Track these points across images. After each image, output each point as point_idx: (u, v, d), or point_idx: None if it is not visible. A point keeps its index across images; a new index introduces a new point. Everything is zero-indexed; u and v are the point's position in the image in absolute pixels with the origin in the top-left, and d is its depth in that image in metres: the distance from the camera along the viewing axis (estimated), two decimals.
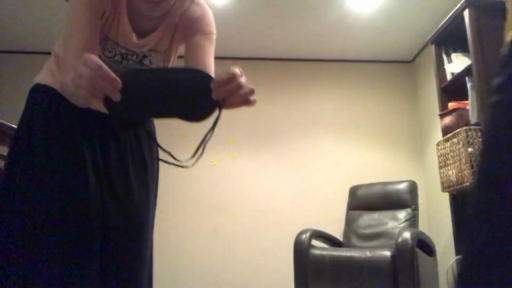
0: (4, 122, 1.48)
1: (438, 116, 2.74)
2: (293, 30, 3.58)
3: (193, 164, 0.90)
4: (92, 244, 1.02)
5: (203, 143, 0.90)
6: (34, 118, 1.09)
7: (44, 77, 1.15)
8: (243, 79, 0.81)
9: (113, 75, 0.72)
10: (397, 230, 2.77)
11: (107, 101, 0.74)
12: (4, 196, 1.03)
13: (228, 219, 3.67)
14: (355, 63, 4.15)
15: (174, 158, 0.91)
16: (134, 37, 1.09)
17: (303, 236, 2.79)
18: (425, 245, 2.66)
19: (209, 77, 0.78)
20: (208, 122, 0.86)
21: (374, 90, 4.08)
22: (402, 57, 4.10)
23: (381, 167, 3.84)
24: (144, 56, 1.14)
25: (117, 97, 0.73)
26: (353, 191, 3.52)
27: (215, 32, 1.16)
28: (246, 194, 3.74)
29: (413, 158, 3.93)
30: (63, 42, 1.03)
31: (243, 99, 0.83)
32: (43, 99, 1.11)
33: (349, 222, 3.35)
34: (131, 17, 1.07)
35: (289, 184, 3.81)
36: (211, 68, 1.11)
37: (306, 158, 3.87)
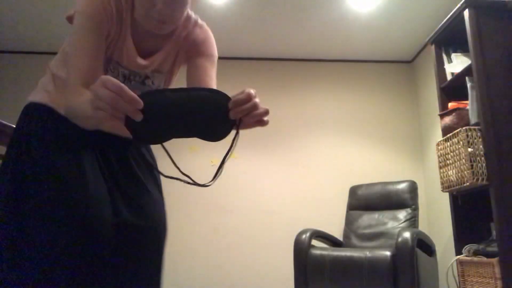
0: (4, 122, 1.48)
1: (438, 116, 2.74)
2: (293, 30, 3.58)
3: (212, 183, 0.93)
4: (102, 252, 0.98)
5: (223, 163, 0.92)
6: (31, 132, 1.06)
7: (41, 96, 1.12)
8: (257, 100, 0.83)
9: (135, 95, 0.73)
10: (397, 230, 2.77)
11: (128, 121, 0.75)
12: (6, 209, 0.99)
13: (228, 219, 3.67)
14: (355, 63, 4.15)
15: (193, 181, 0.93)
16: (138, 58, 1.08)
17: (303, 236, 2.79)
18: (425, 245, 2.66)
19: (227, 97, 0.80)
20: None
21: (374, 90, 4.08)
22: (402, 57, 4.11)
23: (381, 167, 3.84)
24: (147, 77, 1.14)
25: (139, 117, 0.74)
26: (353, 191, 3.52)
27: (217, 55, 1.18)
28: (246, 194, 3.74)
29: (413, 158, 3.93)
30: (68, 65, 1.00)
31: (258, 119, 0.85)
32: (40, 117, 1.08)
33: (349, 222, 3.36)
34: (135, 37, 1.07)
35: (289, 184, 3.81)
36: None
37: (306, 158, 3.87)
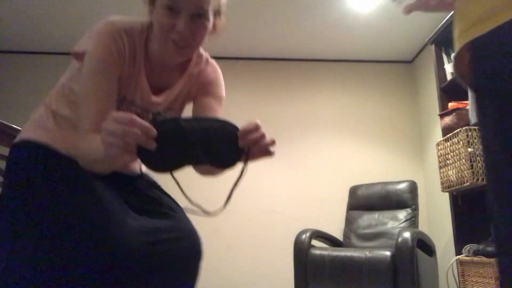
0: (4, 122, 1.48)
1: (438, 116, 2.74)
2: (293, 30, 3.58)
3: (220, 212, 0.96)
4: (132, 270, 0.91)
5: (231, 194, 0.95)
6: (31, 172, 0.96)
7: (40, 134, 1.02)
8: (264, 130, 0.86)
9: (148, 124, 0.74)
10: (397, 230, 2.77)
11: (140, 150, 0.75)
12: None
13: (228, 219, 3.67)
14: (355, 63, 4.15)
15: (204, 211, 0.97)
16: (152, 96, 1.07)
17: (303, 236, 2.79)
18: (425, 245, 2.66)
19: (236, 126, 0.84)
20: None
21: (374, 90, 4.08)
22: (402, 57, 4.10)
23: (381, 167, 3.84)
24: (159, 114, 1.12)
25: (152, 146, 0.74)
26: (353, 191, 3.52)
27: (224, 95, 1.19)
28: (246, 194, 3.74)
29: (413, 158, 3.93)
30: (79, 109, 0.97)
31: (265, 149, 0.87)
32: (40, 158, 0.98)
33: (349, 222, 3.35)
34: (149, 74, 1.05)
35: (289, 184, 3.81)
36: None
37: (306, 158, 3.87)
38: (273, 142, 0.88)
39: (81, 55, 0.99)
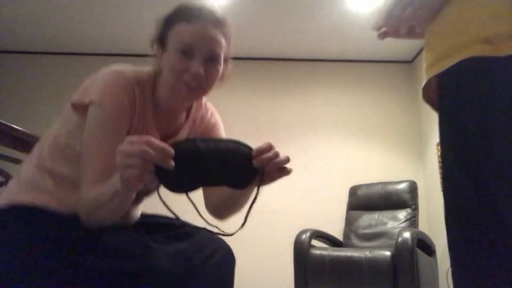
0: (4, 122, 1.48)
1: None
2: (293, 30, 3.58)
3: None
4: None
5: (248, 214, 0.97)
6: (34, 239, 0.85)
7: (41, 198, 0.92)
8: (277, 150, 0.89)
9: (164, 144, 0.75)
10: (397, 230, 2.77)
11: (158, 171, 0.76)
12: None
13: (228, 219, 3.67)
14: (355, 63, 4.15)
15: (221, 231, 1.00)
16: None
17: (303, 236, 2.79)
18: (425, 245, 2.66)
19: (250, 147, 0.87)
20: None
21: (374, 90, 4.08)
22: (402, 57, 4.10)
23: (381, 167, 3.84)
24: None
25: (170, 165, 0.75)
26: (353, 191, 3.52)
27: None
28: None
29: (413, 158, 3.93)
30: (83, 162, 0.91)
31: (280, 167, 0.90)
32: (46, 225, 0.88)
33: (349, 222, 3.36)
34: (157, 123, 1.04)
35: (289, 184, 3.81)
36: None
37: (306, 157, 3.87)
38: (287, 160, 0.90)
39: (83, 107, 0.94)
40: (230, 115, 4.03)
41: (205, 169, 0.83)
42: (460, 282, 0.79)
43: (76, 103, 0.96)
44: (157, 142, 0.74)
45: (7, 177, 1.64)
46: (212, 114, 1.19)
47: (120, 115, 0.93)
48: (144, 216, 1.14)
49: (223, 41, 1.02)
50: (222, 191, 1.07)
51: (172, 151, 0.75)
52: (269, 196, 3.73)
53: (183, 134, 1.11)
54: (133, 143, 0.73)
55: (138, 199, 1.08)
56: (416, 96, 4.07)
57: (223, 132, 1.21)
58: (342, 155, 3.90)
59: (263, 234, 3.65)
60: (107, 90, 0.93)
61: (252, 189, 0.97)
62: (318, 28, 3.56)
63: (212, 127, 1.18)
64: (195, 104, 1.14)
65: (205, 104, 1.18)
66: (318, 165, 3.86)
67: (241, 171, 0.88)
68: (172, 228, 1.08)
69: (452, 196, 0.77)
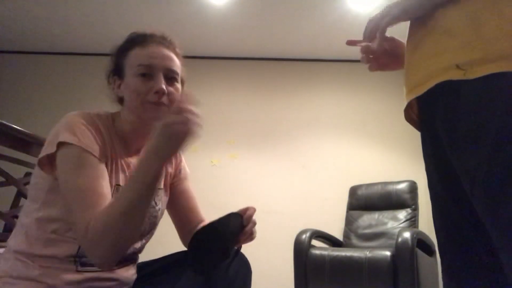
0: (4, 122, 1.48)
1: None
2: (293, 30, 3.58)
3: None
4: None
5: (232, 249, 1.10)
6: None
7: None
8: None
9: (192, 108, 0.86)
10: (397, 230, 2.77)
11: (192, 248, 0.90)
12: None
13: None
14: (355, 63, 4.15)
15: None
16: None
17: (303, 236, 2.79)
18: (425, 245, 2.66)
19: (240, 215, 1.02)
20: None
21: (374, 90, 4.08)
22: None
23: (381, 167, 3.84)
24: None
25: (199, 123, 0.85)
26: (353, 191, 3.52)
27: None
28: (246, 194, 3.74)
29: (413, 158, 3.92)
30: (69, 204, 0.89)
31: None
32: None
33: (349, 222, 3.36)
34: (128, 157, 1.06)
35: (289, 184, 3.81)
36: (199, 206, 1.24)
37: (306, 158, 3.87)
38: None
39: (52, 160, 0.92)
40: (230, 115, 4.03)
41: (224, 246, 0.98)
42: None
43: (44, 159, 0.92)
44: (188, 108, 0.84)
45: (7, 177, 1.64)
46: (183, 164, 1.23)
47: (92, 148, 0.92)
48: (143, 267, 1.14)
49: (177, 61, 1.05)
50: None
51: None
52: (269, 196, 3.75)
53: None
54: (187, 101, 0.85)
55: (133, 259, 1.09)
56: None
57: (187, 169, 1.25)
58: (342, 155, 3.90)
59: (263, 234, 3.63)
60: (73, 127, 0.92)
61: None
62: (318, 28, 3.56)
63: (184, 178, 1.22)
64: None
65: None
66: (318, 165, 3.86)
67: (235, 241, 1.02)
68: (176, 266, 1.10)
69: (435, 205, 0.96)
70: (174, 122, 0.82)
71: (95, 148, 0.92)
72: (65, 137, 0.89)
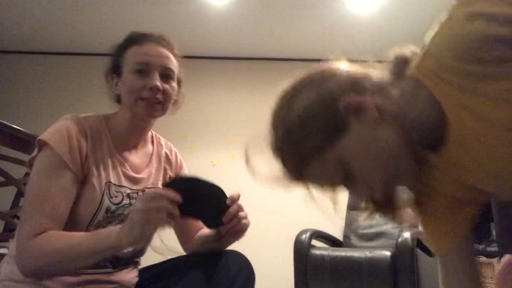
0: (4, 122, 1.48)
1: None
2: (293, 30, 3.58)
3: None
4: None
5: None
6: None
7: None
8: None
9: (172, 193, 0.84)
10: (397, 230, 2.77)
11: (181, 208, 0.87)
12: None
13: None
14: (355, 63, 4.15)
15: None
16: (134, 174, 1.08)
17: (303, 236, 2.79)
18: (425, 245, 2.66)
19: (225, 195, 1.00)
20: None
21: None
22: None
23: None
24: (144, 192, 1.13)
25: (176, 213, 0.85)
26: None
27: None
28: (246, 194, 3.73)
29: None
30: (24, 205, 0.91)
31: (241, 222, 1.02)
32: None
33: (349, 222, 3.35)
34: (123, 155, 1.07)
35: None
36: None
37: None
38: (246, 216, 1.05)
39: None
40: (230, 115, 4.03)
41: (197, 204, 0.93)
42: None
43: (31, 160, 0.97)
44: (167, 194, 0.84)
45: (7, 177, 1.64)
46: (176, 154, 1.24)
47: (70, 155, 0.93)
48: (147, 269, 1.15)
49: (174, 60, 1.06)
50: (199, 241, 1.15)
51: (178, 199, 0.85)
52: (270, 196, 3.75)
53: (151, 165, 1.13)
54: (147, 200, 0.82)
55: (133, 262, 1.09)
56: None
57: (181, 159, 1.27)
58: None
59: (263, 234, 3.65)
60: (58, 131, 0.95)
61: (227, 244, 1.09)
62: (318, 28, 3.56)
63: (180, 168, 1.25)
64: (149, 135, 1.17)
65: (165, 142, 1.22)
66: None
67: (215, 211, 0.97)
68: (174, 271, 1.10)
69: None
70: (149, 209, 0.82)
71: (73, 156, 0.93)
72: (46, 136, 0.93)
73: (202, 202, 0.93)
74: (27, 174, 1.92)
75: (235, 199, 0.99)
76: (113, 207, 0.99)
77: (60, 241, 0.86)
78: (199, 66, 3.92)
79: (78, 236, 0.88)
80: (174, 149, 1.24)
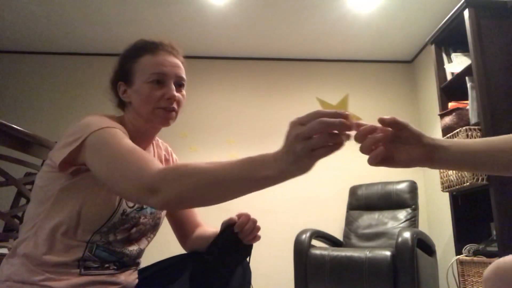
0: (4, 122, 1.48)
1: (438, 116, 2.74)
2: (293, 30, 3.58)
3: None
4: None
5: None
6: None
7: None
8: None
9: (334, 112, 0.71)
10: (397, 230, 2.77)
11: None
12: None
13: None
14: (355, 63, 4.15)
15: None
16: None
17: (303, 236, 2.79)
18: (425, 245, 2.66)
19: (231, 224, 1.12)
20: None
21: (374, 90, 4.08)
22: (402, 57, 4.10)
23: (381, 167, 3.84)
24: None
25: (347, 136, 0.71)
26: (353, 191, 3.52)
27: None
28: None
29: None
30: (117, 172, 0.83)
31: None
32: None
33: (349, 222, 3.36)
34: None
35: (289, 184, 3.80)
36: (196, 210, 1.28)
37: None
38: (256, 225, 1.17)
39: (74, 158, 0.91)
40: (230, 115, 4.03)
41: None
42: None
43: (66, 157, 0.90)
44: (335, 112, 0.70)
45: (7, 177, 1.64)
46: (172, 154, 1.25)
47: (122, 130, 0.95)
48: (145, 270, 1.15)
49: (183, 69, 1.10)
50: (199, 241, 1.21)
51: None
52: (270, 196, 3.75)
53: None
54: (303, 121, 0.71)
55: (135, 264, 1.10)
56: (416, 96, 4.07)
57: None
58: (342, 155, 3.89)
59: (263, 234, 3.62)
60: (99, 119, 0.94)
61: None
62: (318, 28, 3.56)
63: (172, 159, 1.25)
64: (155, 144, 1.19)
65: (161, 143, 1.24)
66: (318, 165, 3.82)
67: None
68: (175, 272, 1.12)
69: None
70: (318, 146, 0.71)
71: (124, 131, 0.95)
72: (93, 127, 0.90)
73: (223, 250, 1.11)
74: (27, 174, 1.92)
75: (241, 224, 1.10)
76: (128, 210, 1.01)
77: (199, 164, 0.76)
78: (199, 66, 3.92)
79: (220, 162, 0.77)
80: (169, 148, 1.26)
